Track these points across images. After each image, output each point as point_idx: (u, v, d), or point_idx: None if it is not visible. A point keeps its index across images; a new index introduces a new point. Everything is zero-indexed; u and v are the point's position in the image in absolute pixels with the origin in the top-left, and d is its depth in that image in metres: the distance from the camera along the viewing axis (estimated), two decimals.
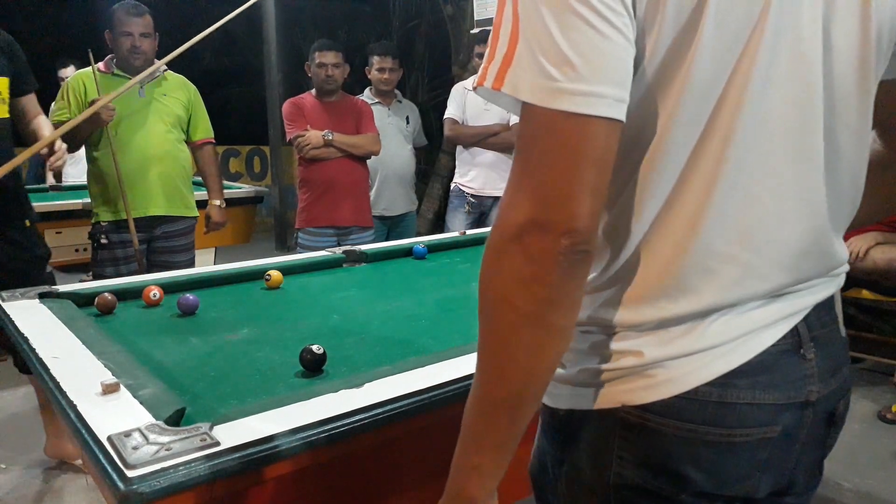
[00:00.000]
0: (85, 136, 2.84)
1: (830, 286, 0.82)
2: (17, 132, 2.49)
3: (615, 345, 0.75)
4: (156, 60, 3.01)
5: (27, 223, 2.48)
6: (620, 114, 0.64)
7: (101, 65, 2.93)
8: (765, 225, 0.73)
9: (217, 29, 2.25)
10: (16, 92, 2.41)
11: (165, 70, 3.03)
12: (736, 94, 0.69)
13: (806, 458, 0.80)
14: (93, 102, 2.72)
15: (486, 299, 0.67)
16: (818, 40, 0.71)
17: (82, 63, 3.04)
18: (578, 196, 0.63)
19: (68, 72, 4.49)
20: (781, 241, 0.75)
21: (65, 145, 2.31)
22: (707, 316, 0.73)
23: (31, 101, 2.48)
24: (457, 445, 0.74)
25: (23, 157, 2.22)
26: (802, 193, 0.75)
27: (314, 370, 1.31)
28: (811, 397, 0.77)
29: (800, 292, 0.78)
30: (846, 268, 0.85)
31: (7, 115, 2.38)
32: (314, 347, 1.32)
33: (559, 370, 0.79)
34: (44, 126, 2.45)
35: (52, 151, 2.28)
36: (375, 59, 3.69)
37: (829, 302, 0.82)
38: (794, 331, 0.77)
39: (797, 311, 0.77)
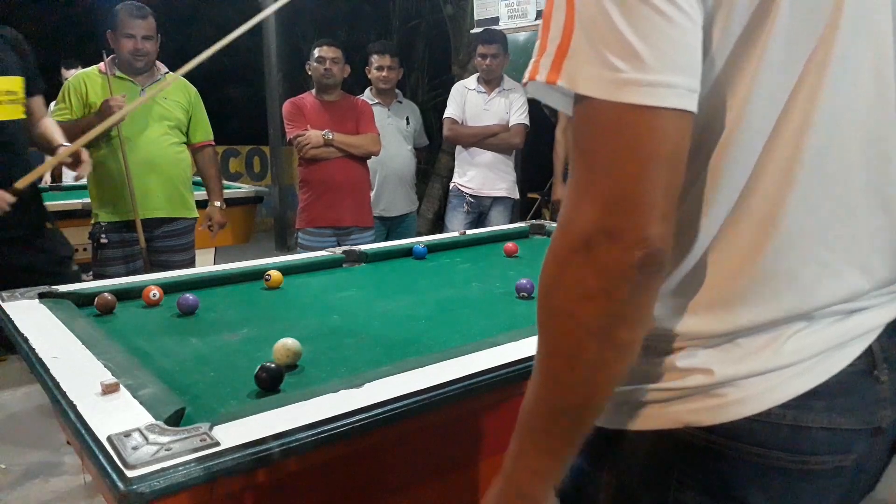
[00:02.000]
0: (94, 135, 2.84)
1: None
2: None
3: (681, 361, 0.70)
4: (157, 63, 3.01)
5: (48, 225, 2.50)
6: (692, 104, 0.59)
7: (101, 65, 2.93)
8: (838, 218, 0.68)
9: (250, 28, 2.16)
10: (27, 92, 2.37)
11: (167, 73, 3.03)
12: (813, 81, 0.64)
13: (864, 486, 0.76)
14: (104, 105, 2.72)
15: (548, 312, 0.63)
16: (890, 28, 0.68)
17: (89, 64, 3.04)
18: (652, 200, 0.57)
19: (73, 73, 4.48)
20: (853, 236, 0.70)
21: (87, 154, 2.26)
22: (783, 326, 0.68)
23: (39, 103, 2.45)
24: (512, 443, 0.70)
25: (49, 165, 2.23)
26: (874, 185, 0.70)
27: (270, 390, 1.21)
28: (883, 423, 0.71)
29: (872, 309, 0.72)
30: None
31: (24, 116, 2.34)
32: (271, 365, 1.23)
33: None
34: (52, 129, 2.40)
35: (77, 161, 2.24)
36: (374, 58, 3.69)
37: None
38: (869, 350, 0.71)
39: (871, 330, 0.71)
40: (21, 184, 2.12)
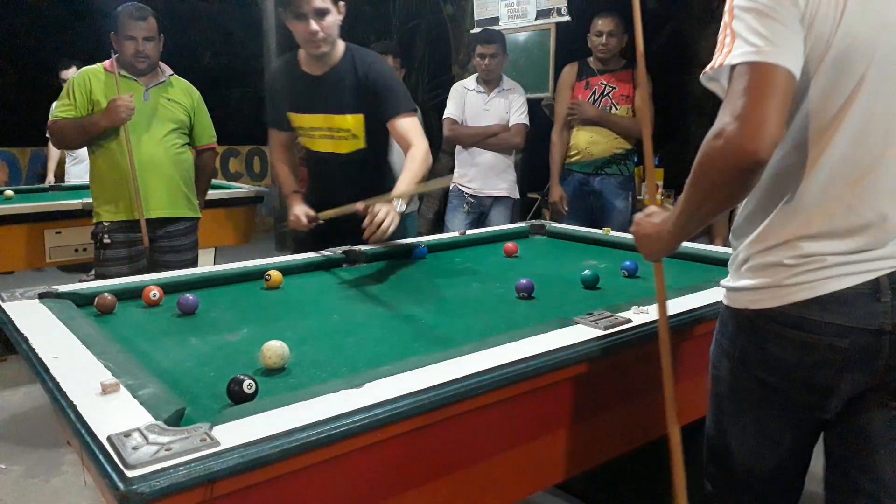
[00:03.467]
0: (99, 132, 2.84)
1: None
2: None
3: (744, 270, 1.22)
4: (161, 64, 3.01)
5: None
6: (795, 69, 1.05)
7: (106, 63, 2.93)
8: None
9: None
10: (385, 118, 2.36)
11: (171, 75, 3.04)
12: (880, 57, 1.09)
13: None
14: (112, 104, 2.74)
15: (697, 162, 1.09)
16: None
17: (84, 65, 3.04)
18: (761, 121, 1.01)
19: (70, 73, 4.47)
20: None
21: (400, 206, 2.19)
22: (799, 259, 1.15)
23: (404, 124, 2.35)
24: (669, 222, 1.26)
25: (375, 201, 2.12)
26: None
27: (237, 402, 1.15)
28: (885, 327, 1.12)
29: (886, 259, 1.13)
30: None
31: (364, 146, 2.45)
32: (245, 384, 1.15)
33: (726, 281, 1.28)
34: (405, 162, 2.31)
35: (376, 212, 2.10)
36: None
37: None
38: (875, 281, 1.13)
39: (880, 269, 1.13)
40: (325, 216, 2.38)
